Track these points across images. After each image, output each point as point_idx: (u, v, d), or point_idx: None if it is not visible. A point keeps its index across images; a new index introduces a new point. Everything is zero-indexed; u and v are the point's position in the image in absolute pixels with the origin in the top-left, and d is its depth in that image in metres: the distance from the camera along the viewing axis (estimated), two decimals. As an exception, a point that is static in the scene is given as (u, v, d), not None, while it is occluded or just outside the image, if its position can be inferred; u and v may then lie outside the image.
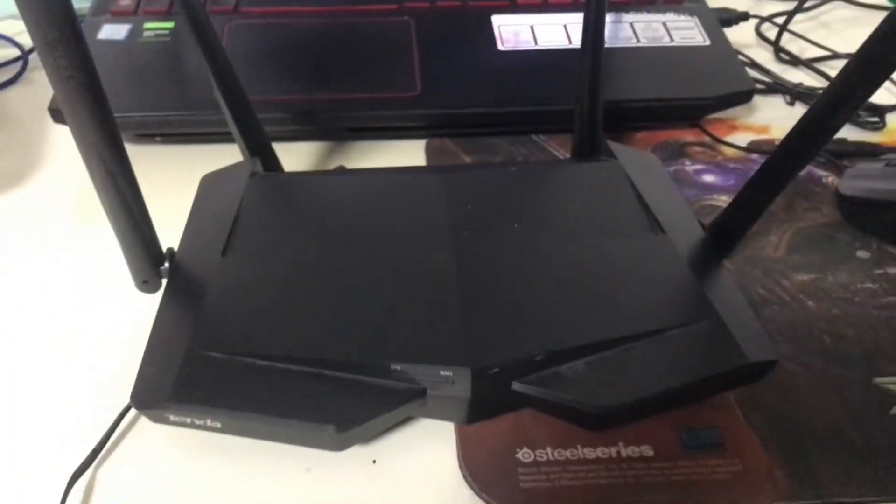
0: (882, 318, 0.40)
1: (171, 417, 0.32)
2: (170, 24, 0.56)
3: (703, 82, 0.54)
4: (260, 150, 0.46)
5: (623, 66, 0.55)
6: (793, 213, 0.47)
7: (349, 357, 0.33)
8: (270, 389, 0.32)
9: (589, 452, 0.34)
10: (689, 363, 0.34)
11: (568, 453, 0.34)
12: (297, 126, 0.52)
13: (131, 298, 0.39)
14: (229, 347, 0.33)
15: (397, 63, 0.54)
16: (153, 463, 0.34)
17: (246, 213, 0.41)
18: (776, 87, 0.59)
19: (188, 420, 0.32)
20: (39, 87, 0.60)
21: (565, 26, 0.57)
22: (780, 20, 0.66)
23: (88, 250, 0.44)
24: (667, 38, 0.57)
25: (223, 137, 0.47)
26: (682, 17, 0.58)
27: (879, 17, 0.31)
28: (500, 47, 0.56)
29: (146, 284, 0.38)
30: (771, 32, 0.66)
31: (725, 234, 0.40)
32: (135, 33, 0.55)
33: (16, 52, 0.63)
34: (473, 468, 0.33)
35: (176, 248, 0.39)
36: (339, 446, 0.32)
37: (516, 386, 0.33)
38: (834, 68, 0.61)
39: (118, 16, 0.57)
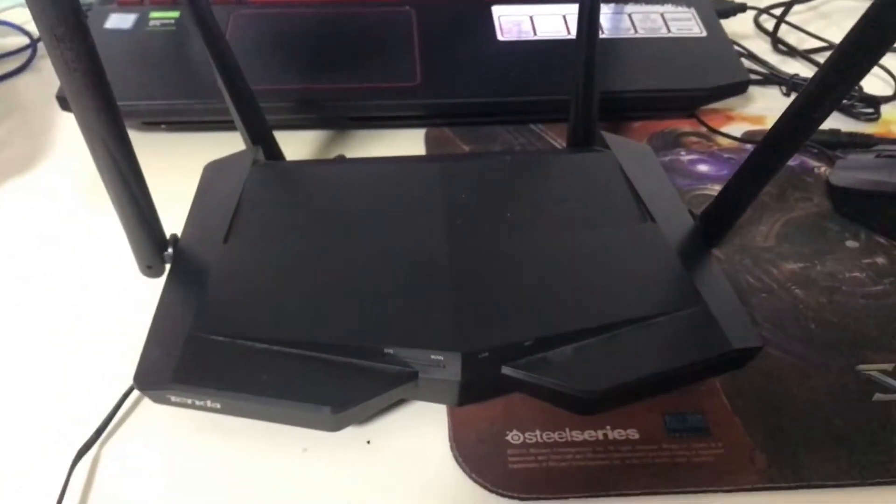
0: (868, 307, 0.41)
1: (173, 398, 0.33)
2: (175, 14, 0.57)
3: (700, 73, 0.54)
4: (262, 139, 0.47)
5: (620, 57, 0.55)
6: (784, 203, 0.48)
7: (344, 341, 0.34)
8: (269, 372, 0.33)
9: (577, 435, 0.35)
10: (675, 349, 0.35)
11: (556, 436, 0.35)
12: (298, 115, 0.53)
13: (135, 283, 0.40)
14: (230, 331, 0.35)
15: (398, 53, 0.55)
16: (155, 442, 0.35)
17: (247, 200, 0.42)
18: (772, 77, 0.60)
19: (189, 401, 0.33)
20: (48, 75, 0.61)
21: (564, 17, 0.58)
22: (779, 11, 0.67)
23: (95, 236, 0.46)
24: (664, 29, 0.57)
25: (227, 126, 0.48)
26: (680, 9, 0.59)
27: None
28: (500, 37, 0.57)
29: (150, 269, 0.39)
30: (769, 23, 0.67)
31: (715, 223, 0.40)
32: (141, 22, 0.56)
33: (25, 41, 0.64)
34: (464, 449, 0.35)
35: (179, 235, 0.40)
36: (335, 427, 0.33)
37: (506, 370, 0.34)
38: (831, 59, 0.61)
39: (125, 5, 0.58)
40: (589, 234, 0.40)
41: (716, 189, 0.49)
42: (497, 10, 0.58)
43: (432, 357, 0.33)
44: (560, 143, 0.53)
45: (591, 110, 0.47)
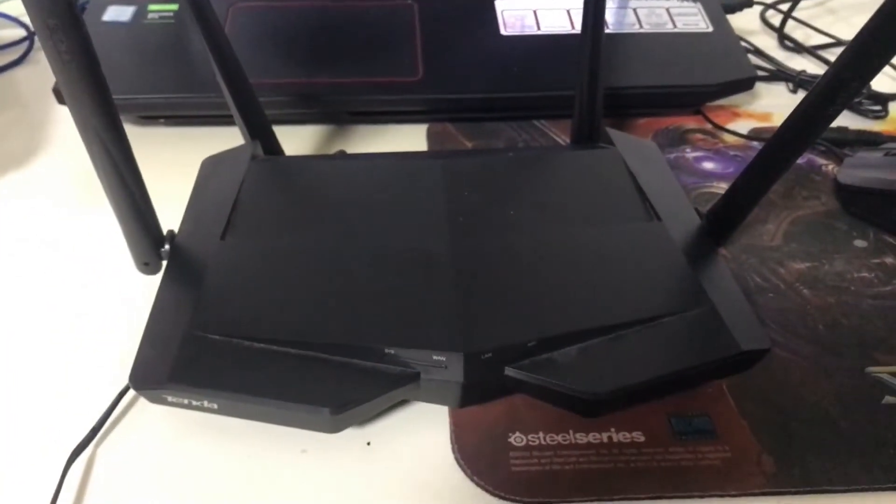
0: (877, 308, 0.41)
1: (169, 398, 0.33)
2: (174, 7, 0.56)
3: (705, 69, 0.54)
4: (261, 133, 0.46)
5: (626, 52, 0.55)
6: (791, 202, 0.47)
7: (344, 340, 0.33)
8: (267, 372, 0.33)
9: (581, 437, 0.34)
10: (682, 351, 0.34)
11: (560, 438, 0.34)
12: (299, 109, 0.52)
13: (131, 280, 0.40)
14: (227, 330, 0.34)
15: (400, 47, 0.54)
16: (151, 442, 0.35)
17: (245, 196, 0.41)
18: (779, 74, 0.59)
19: (185, 401, 0.33)
20: (45, 67, 0.59)
21: (568, 11, 0.57)
22: (786, 7, 0.66)
23: (91, 231, 0.45)
24: (670, 24, 0.57)
25: (225, 120, 0.47)
26: (686, 4, 0.58)
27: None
28: (503, 32, 0.56)
29: (146, 266, 0.38)
30: (776, 19, 0.66)
31: (722, 222, 0.40)
32: (139, 15, 0.56)
33: (22, 33, 0.63)
34: (466, 452, 0.34)
35: (176, 231, 0.39)
36: (334, 429, 0.33)
37: (509, 371, 0.33)
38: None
39: (123, -3, 0.57)
40: (593, 233, 0.39)
41: (722, 187, 0.48)
42: (500, 4, 0.58)
43: (434, 357, 0.33)
44: (564, 139, 0.53)
45: (596, 106, 0.46)
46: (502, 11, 0.57)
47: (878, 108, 0.55)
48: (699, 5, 0.58)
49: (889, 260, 0.43)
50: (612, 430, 0.35)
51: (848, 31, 0.64)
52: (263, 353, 0.33)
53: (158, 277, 0.38)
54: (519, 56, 0.54)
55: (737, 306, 0.36)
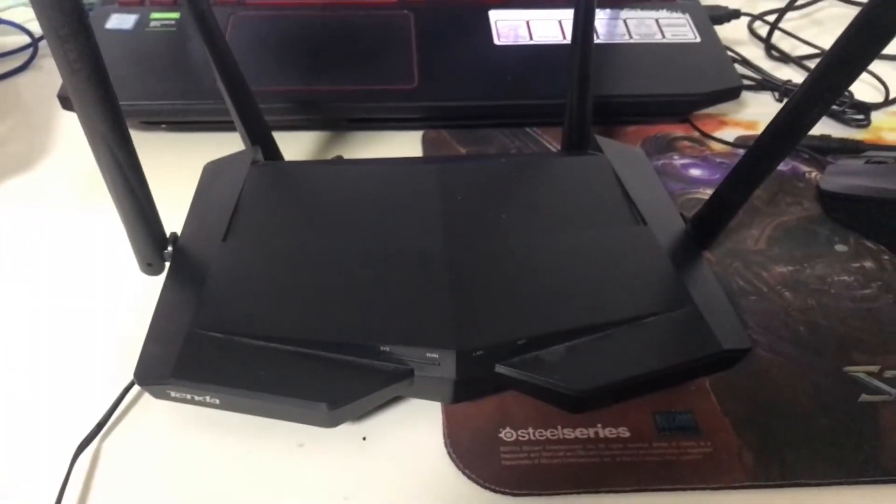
0: (856, 310, 0.42)
1: (172, 393, 0.34)
2: (175, 15, 0.57)
3: (693, 78, 0.55)
4: (261, 139, 0.47)
5: (615, 62, 0.56)
6: (775, 208, 0.49)
7: (341, 338, 0.35)
8: (266, 368, 0.34)
9: (568, 433, 0.36)
10: (666, 349, 0.35)
11: (548, 433, 0.36)
12: (297, 116, 0.54)
13: (135, 281, 0.41)
14: (228, 328, 0.35)
15: (396, 56, 0.56)
16: (154, 436, 0.36)
17: (246, 199, 0.42)
18: (765, 83, 0.60)
19: (188, 396, 0.34)
20: (49, 73, 0.62)
21: (560, 22, 0.59)
22: (772, 18, 0.68)
23: (95, 234, 0.46)
24: (659, 35, 0.58)
25: (226, 126, 0.49)
26: (675, 15, 0.60)
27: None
28: (497, 42, 0.57)
29: (150, 267, 0.39)
30: (763, 30, 0.67)
31: (706, 226, 0.41)
32: (142, 23, 0.57)
33: (26, 40, 0.64)
34: (458, 446, 0.35)
35: (179, 233, 0.41)
36: (331, 423, 0.34)
37: (499, 368, 0.34)
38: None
39: (126, 6, 0.58)
40: (582, 236, 0.40)
41: (708, 193, 0.49)
42: (494, 15, 0.59)
43: (428, 355, 0.34)
44: (555, 146, 0.54)
45: (586, 114, 0.48)
46: (496, 22, 0.59)
47: (860, 117, 0.57)
48: (687, 16, 0.60)
49: (868, 264, 0.45)
50: (599, 425, 0.36)
51: (832, 41, 0.65)
52: (263, 350, 0.35)
53: (161, 278, 0.39)
54: (512, 65, 0.56)
55: (719, 307, 0.38)
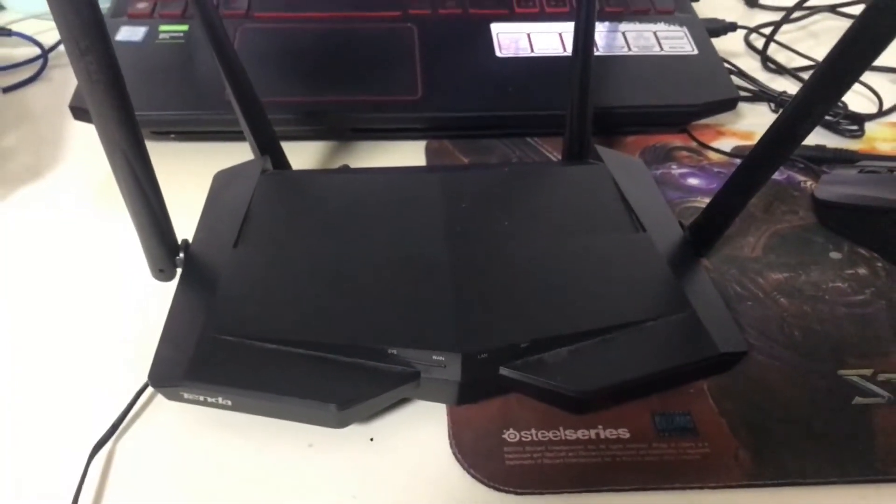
0: (849, 316, 0.43)
1: (185, 395, 0.35)
2: (184, 28, 0.59)
3: (691, 90, 0.56)
4: (269, 149, 0.49)
5: (615, 74, 0.57)
6: (771, 216, 0.50)
7: (350, 341, 0.36)
8: (277, 370, 0.35)
9: (570, 434, 0.37)
10: (665, 352, 0.37)
11: (551, 434, 0.37)
12: (304, 126, 0.55)
13: (147, 287, 0.42)
14: (240, 331, 0.36)
15: (400, 67, 0.57)
16: (168, 437, 0.37)
17: (256, 207, 0.44)
18: (762, 95, 0.62)
19: (201, 398, 0.35)
20: (59, 84, 0.63)
21: (560, 34, 0.60)
22: (769, 30, 0.69)
23: (106, 241, 0.47)
24: (657, 48, 0.59)
25: (235, 136, 0.50)
26: (673, 27, 0.61)
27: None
28: (499, 54, 0.59)
29: (162, 273, 0.40)
30: (760, 42, 0.69)
31: (704, 233, 0.42)
32: (151, 35, 0.58)
33: (36, 51, 0.65)
34: (463, 447, 0.36)
35: (190, 240, 0.42)
36: (340, 424, 0.35)
37: (503, 371, 0.35)
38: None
39: (135, 18, 0.59)
40: (582, 243, 0.41)
41: (705, 201, 0.50)
42: (496, 28, 0.60)
43: (434, 357, 0.35)
44: (556, 155, 0.55)
45: (586, 124, 0.49)
46: (497, 34, 0.60)
47: (854, 127, 0.58)
48: (685, 29, 0.61)
49: (862, 271, 0.46)
50: (600, 426, 0.37)
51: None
52: (274, 353, 0.36)
53: (172, 284, 0.40)
54: (513, 77, 0.57)
55: (716, 312, 0.39)
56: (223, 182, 0.46)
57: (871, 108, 0.60)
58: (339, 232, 0.42)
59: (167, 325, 0.37)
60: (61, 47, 0.64)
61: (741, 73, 0.64)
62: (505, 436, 0.37)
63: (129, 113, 0.33)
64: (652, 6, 0.63)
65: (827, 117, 0.58)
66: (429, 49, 0.58)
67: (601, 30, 0.60)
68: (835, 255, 0.47)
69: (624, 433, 0.37)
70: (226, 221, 0.42)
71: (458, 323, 0.36)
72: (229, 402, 0.35)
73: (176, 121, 0.53)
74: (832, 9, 0.74)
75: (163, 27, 0.59)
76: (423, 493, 0.35)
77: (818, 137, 0.57)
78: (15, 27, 0.68)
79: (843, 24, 0.73)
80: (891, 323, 0.42)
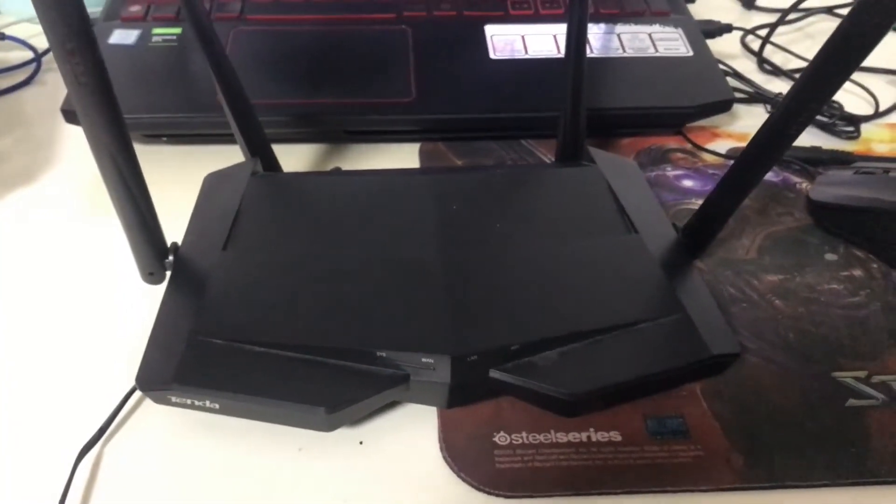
0: (845, 317, 0.43)
1: (173, 399, 0.35)
2: (177, 30, 0.58)
3: (686, 92, 0.56)
4: (260, 151, 0.48)
5: (610, 76, 0.57)
6: (766, 218, 0.50)
7: (339, 344, 0.35)
8: (266, 374, 0.35)
9: (561, 437, 0.36)
10: (656, 355, 0.36)
11: (542, 437, 0.36)
12: (297, 128, 0.54)
13: (137, 290, 0.42)
14: (228, 334, 0.36)
15: (394, 70, 0.57)
16: (155, 441, 0.36)
17: (246, 210, 0.43)
18: (757, 96, 0.61)
19: (188, 401, 0.35)
20: (52, 88, 0.63)
21: (555, 36, 0.60)
22: (764, 32, 0.69)
23: (97, 244, 0.47)
24: (652, 49, 0.59)
25: (226, 138, 0.49)
26: (668, 29, 0.61)
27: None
28: (493, 56, 0.58)
29: (151, 276, 0.40)
30: (756, 44, 0.69)
31: (697, 235, 0.42)
32: (144, 38, 0.58)
33: (29, 55, 0.65)
34: (453, 450, 0.36)
35: (180, 243, 0.41)
36: (329, 427, 0.35)
37: (493, 373, 0.35)
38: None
39: (128, 21, 0.59)
40: (574, 245, 0.41)
41: (699, 203, 0.50)
42: (490, 30, 0.60)
43: (423, 360, 0.35)
44: (550, 157, 0.55)
45: (579, 126, 0.48)
46: (492, 36, 0.60)
47: (850, 129, 0.58)
48: (680, 31, 0.61)
49: (857, 272, 0.45)
50: (591, 429, 0.37)
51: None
52: (262, 356, 0.35)
53: (162, 287, 0.40)
54: (508, 79, 0.57)
55: (709, 314, 0.39)
56: (213, 184, 0.46)
57: (868, 110, 0.60)
58: (328, 234, 0.42)
59: (155, 328, 0.37)
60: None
61: (736, 75, 0.63)
62: (495, 439, 0.36)
63: (116, 115, 0.32)
64: (647, 8, 0.63)
65: (823, 119, 0.58)
66: (423, 51, 0.58)
67: (596, 31, 0.60)
68: (830, 256, 0.47)
69: (616, 436, 0.36)
70: (215, 224, 0.42)
71: (448, 325, 0.36)
72: (217, 406, 0.35)
73: (168, 123, 0.53)
74: (829, 10, 0.74)
75: (156, 30, 0.59)
76: (413, 497, 0.34)
77: (814, 139, 0.57)
78: (8, 31, 0.68)
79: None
80: (886, 325, 0.42)
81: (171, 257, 0.40)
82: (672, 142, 0.57)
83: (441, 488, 0.35)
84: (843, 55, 0.32)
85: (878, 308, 0.43)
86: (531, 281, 0.39)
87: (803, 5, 0.72)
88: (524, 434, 0.36)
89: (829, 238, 0.48)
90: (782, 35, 0.71)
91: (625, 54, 0.59)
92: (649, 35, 0.60)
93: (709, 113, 0.56)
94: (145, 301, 0.41)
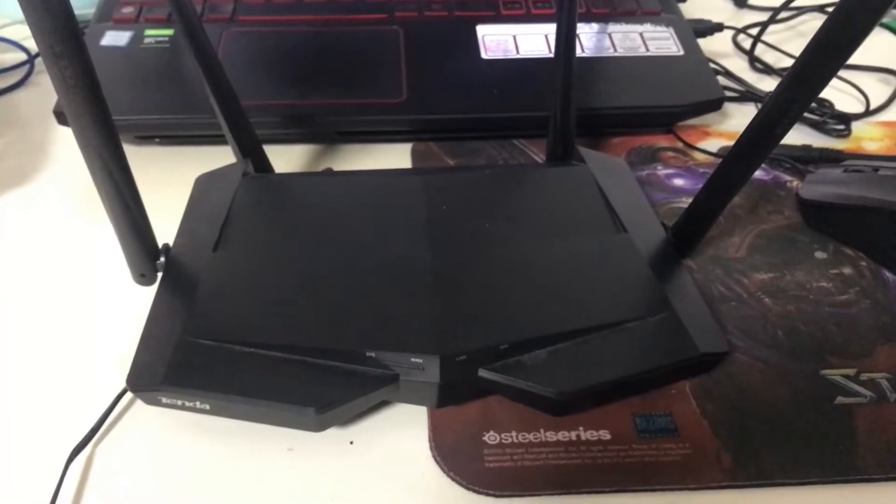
0: (834, 315, 0.43)
1: (164, 400, 0.35)
2: (169, 32, 0.59)
3: (676, 91, 0.56)
4: (252, 152, 0.48)
5: (601, 75, 0.57)
6: (757, 216, 0.50)
7: (328, 345, 0.35)
8: (256, 374, 0.35)
9: (550, 436, 0.37)
10: (645, 353, 0.37)
11: (531, 436, 0.36)
12: (289, 129, 0.55)
13: (128, 291, 0.42)
14: (219, 335, 0.36)
15: (385, 70, 0.57)
16: (146, 442, 0.37)
17: (237, 211, 0.43)
18: (748, 95, 0.61)
19: (179, 402, 0.35)
20: (45, 90, 0.63)
21: (546, 36, 0.60)
22: (756, 31, 0.69)
23: (90, 246, 0.47)
24: (643, 48, 0.59)
25: (219, 140, 0.49)
26: (659, 28, 0.61)
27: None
28: (484, 56, 0.58)
29: (143, 278, 0.40)
30: (747, 43, 0.69)
31: (686, 234, 0.42)
32: (136, 40, 0.58)
33: (23, 57, 0.65)
34: (443, 449, 0.36)
35: (171, 244, 0.41)
36: (319, 427, 0.35)
37: (482, 373, 0.35)
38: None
39: (121, 23, 0.59)
40: (563, 244, 0.41)
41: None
42: (481, 30, 0.60)
43: (412, 360, 0.35)
44: (542, 157, 0.55)
45: (569, 126, 0.49)
46: (483, 36, 0.60)
47: (841, 127, 0.58)
48: (671, 30, 0.61)
49: (847, 270, 0.46)
50: (581, 428, 0.37)
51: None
52: (253, 356, 0.35)
53: (153, 288, 0.40)
54: (499, 79, 0.57)
55: (697, 312, 0.39)
56: (204, 186, 0.46)
57: (859, 108, 0.60)
58: (319, 235, 0.42)
59: (146, 329, 0.37)
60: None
61: (728, 74, 0.64)
62: (485, 438, 0.36)
63: (106, 117, 0.33)
64: (638, 7, 0.63)
65: (813, 117, 0.58)
66: (414, 51, 0.58)
67: (587, 31, 0.60)
68: (820, 254, 0.47)
69: (605, 435, 0.37)
70: (206, 225, 0.42)
71: (437, 325, 0.36)
72: (207, 407, 0.35)
73: (160, 125, 0.53)
74: (820, 9, 0.74)
75: (148, 31, 0.59)
76: (403, 496, 0.35)
77: (805, 137, 0.57)
78: (2, 33, 0.68)
79: (831, 24, 0.73)
80: (874, 322, 0.42)
81: (162, 259, 0.40)
82: (663, 141, 0.57)
83: (431, 488, 0.35)
84: (828, 53, 0.32)
85: (867, 306, 0.43)
86: (520, 280, 0.39)
87: (794, 4, 0.73)
88: (514, 433, 0.37)
89: (818, 236, 0.48)
90: (774, 34, 0.71)
91: (616, 54, 0.59)
92: (640, 34, 0.60)
93: (700, 112, 0.57)
94: (138, 302, 0.41)
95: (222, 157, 0.49)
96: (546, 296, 0.38)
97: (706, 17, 0.65)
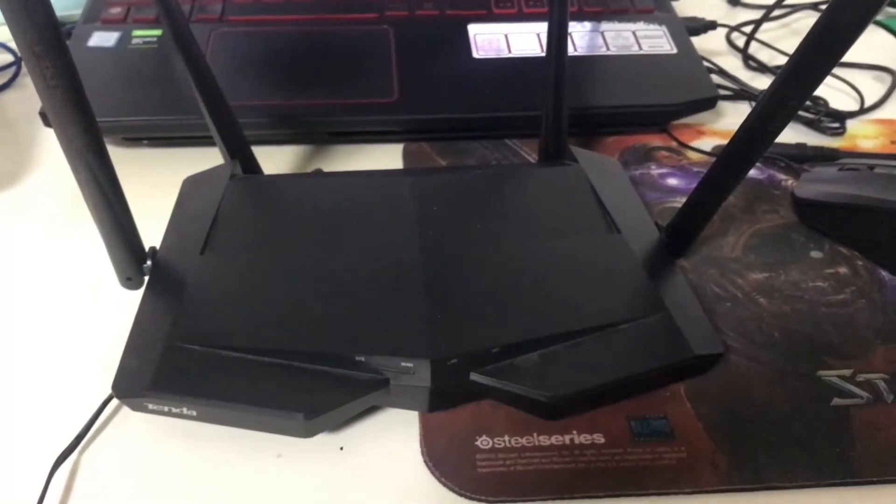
0: (830, 315, 0.42)
1: (150, 406, 0.34)
2: (157, 32, 0.58)
3: (670, 89, 0.56)
4: (240, 153, 0.48)
5: (594, 74, 0.57)
6: (752, 215, 0.49)
7: (317, 349, 0.35)
8: (243, 380, 0.34)
9: (544, 440, 0.36)
10: (639, 355, 0.36)
11: (524, 441, 0.36)
12: (278, 130, 0.54)
13: (116, 295, 0.41)
14: (206, 340, 0.36)
15: (376, 70, 0.56)
16: (133, 449, 0.36)
17: (224, 213, 0.43)
18: (742, 93, 0.61)
19: (166, 408, 0.34)
20: (32, 91, 0.61)
21: (538, 35, 0.59)
22: (750, 29, 0.68)
23: (76, 249, 0.46)
24: (636, 47, 0.59)
25: (208, 141, 0.49)
26: (652, 27, 0.60)
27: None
28: (476, 55, 0.58)
29: (129, 281, 0.40)
30: (741, 41, 0.68)
31: (680, 234, 0.42)
32: (124, 40, 0.57)
33: (10, 58, 0.65)
34: (434, 454, 0.35)
35: (158, 247, 0.41)
36: (308, 433, 0.34)
37: (474, 376, 0.35)
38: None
39: (108, 23, 0.59)
40: (556, 245, 0.41)
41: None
42: (473, 29, 0.60)
43: (402, 364, 0.34)
44: (534, 157, 0.54)
45: (561, 125, 0.48)
46: (475, 36, 0.59)
47: (836, 125, 0.57)
48: (664, 28, 0.60)
49: (842, 270, 0.45)
50: (574, 432, 0.36)
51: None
52: (240, 362, 0.35)
53: (140, 292, 0.39)
54: (491, 78, 0.56)
55: (692, 313, 0.38)
56: (192, 188, 0.46)
57: (853, 106, 0.60)
58: (308, 237, 0.41)
59: (132, 334, 0.37)
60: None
61: (721, 72, 0.63)
62: (478, 443, 0.36)
63: (88, 118, 0.32)
64: (631, 5, 0.63)
65: (808, 115, 0.57)
66: (405, 51, 0.58)
67: (580, 30, 0.60)
68: (815, 254, 0.46)
69: (599, 438, 0.36)
70: (193, 228, 0.42)
71: (428, 328, 0.35)
72: (195, 413, 0.34)
73: (148, 126, 0.52)
74: (814, 6, 0.74)
75: (136, 32, 0.58)
76: (395, 502, 0.34)
77: (799, 135, 0.57)
78: (-12, 34, 0.67)
79: (825, 22, 0.72)
80: (871, 322, 0.42)
81: (149, 262, 0.40)
82: (657, 140, 0.57)
83: (422, 494, 0.34)
84: (823, 51, 0.31)
85: (863, 305, 0.43)
86: (512, 282, 0.38)
87: (788, 1, 0.72)
88: (506, 438, 0.36)
89: (814, 235, 0.48)
90: (768, 31, 0.71)
91: (609, 52, 0.58)
92: (633, 33, 0.60)
93: (693, 110, 0.56)
94: (126, 306, 0.41)
95: (211, 158, 0.48)
96: (538, 298, 0.38)
97: (699, 15, 0.65)
